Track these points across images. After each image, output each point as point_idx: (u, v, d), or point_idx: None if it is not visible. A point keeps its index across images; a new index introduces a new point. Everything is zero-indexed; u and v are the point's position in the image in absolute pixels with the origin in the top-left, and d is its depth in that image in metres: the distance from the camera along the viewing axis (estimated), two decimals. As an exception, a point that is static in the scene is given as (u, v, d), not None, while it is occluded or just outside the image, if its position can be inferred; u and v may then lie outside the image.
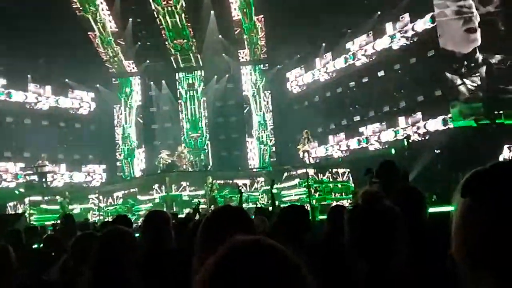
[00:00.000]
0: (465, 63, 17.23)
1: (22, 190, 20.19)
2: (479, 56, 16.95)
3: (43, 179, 20.36)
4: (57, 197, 17.90)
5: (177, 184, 18.40)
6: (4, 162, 22.68)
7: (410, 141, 18.17)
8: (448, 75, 17.64)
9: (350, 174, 18.02)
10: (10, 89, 23.23)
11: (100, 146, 25.28)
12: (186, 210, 15.62)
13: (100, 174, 25.80)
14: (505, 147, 16.27)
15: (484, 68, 16.83)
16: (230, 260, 0.89)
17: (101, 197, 19.86)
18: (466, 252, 0.88)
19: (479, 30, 16.96)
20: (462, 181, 0.94)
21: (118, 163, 26.18)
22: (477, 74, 17.02)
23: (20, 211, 17.98)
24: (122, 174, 25.83)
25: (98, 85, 26.20)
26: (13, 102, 23.31)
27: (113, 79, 26.66)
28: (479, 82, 17.15)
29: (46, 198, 18.84)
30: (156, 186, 18.48)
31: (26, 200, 18.48)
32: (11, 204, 19.11)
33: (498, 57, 16.69)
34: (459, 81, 17.48)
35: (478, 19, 16.95)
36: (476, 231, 0.86)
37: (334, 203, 16.54)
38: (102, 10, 24.02)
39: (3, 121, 22.90)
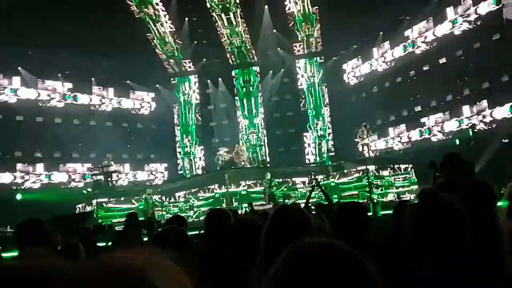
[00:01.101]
0: None
1: (89, 189, 21.13)
2: None
3: (109, 179, 21.19)
4: (143, 195, 18.41)
5: (236, 180, 18.57)
6: (73, 163, 23.85)
7: (475, 130, 17.35)
8: None
9: (413, 168, 17.45)
10: (76, 93, 24.38)
11: (161, 145, 25.97)
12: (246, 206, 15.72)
13: (162, 172, 26.55)
14: None
15: None
16: (300, 265, 0.88)
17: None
18: None
19: None
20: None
21: (179, 161, 26.79)
22: None
23: (88, 209, 18.84)
24: (183, 172, 26.41)
25: (157, 85, 26.93)
26: (79, 105, 24.45)
27: (172, 79, 27.28)
28: None
29: (112, 198, 19.57)
30: (216, 183, 18.74)
31: (94, 201, 19.25)
32: (80, 205, 19.98)
33: None
34: None
35: None
36: None
37: (396, 198, 16.19)
38: (159, 11, 24.60)
39: (70, 123, 24.07)
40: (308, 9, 23.97)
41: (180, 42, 25.63)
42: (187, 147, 26.75)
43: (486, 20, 18.32)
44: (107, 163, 21.29)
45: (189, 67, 26.91)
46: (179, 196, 19.85)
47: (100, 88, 25.27)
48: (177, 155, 26.88)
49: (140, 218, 10.68)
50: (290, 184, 19.08)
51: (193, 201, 19.06)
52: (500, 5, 17.38)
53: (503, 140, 16.19)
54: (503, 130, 16.81)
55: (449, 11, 19.70)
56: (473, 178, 4.24)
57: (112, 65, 23.97)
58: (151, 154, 26.27)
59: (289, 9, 24.22)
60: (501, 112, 17.74)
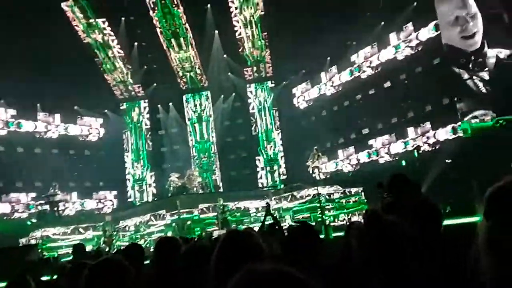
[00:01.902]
0: (473, 57, 17.21)
1: (34, 220, 20.21)
2: (487, 51, 16.90)
3: (55, 208, 20.37)
4: (102, 223, 17.80)
5: (188, 206, 18.31)
6: (16, 193, 22.77)
7: (420, 151, 17.98)
8: (456, 69, 17.59)
9: (362, 189, 17.80)
10: (20, 119, 23.47)
11: (110, 172, 25.31)
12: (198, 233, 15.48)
13: (111, 200, 25.80)
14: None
15: (493, 61, 16.74)
16: None
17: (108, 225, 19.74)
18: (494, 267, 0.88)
19: (479, 33, 16.99)
20: (486, 198, 0.92)
21: (128, 189, 26.18)
22: (486, 69, 16.96)
23: (33, 242, 17.96)
24: (133, 199, 25.81)
25: (106, 111, 26.39)
26: (23, 132, 23.54)
27: (121, 104, 26.84)
28: (487, 77, 17.10)
29: (58, 228, 18.79)
30: (167, 210, 18.39)
31: (38, 232, 18.39)
32: (23, 239, 19.04)
33: (506, 51, 16.62)
34: (466, 76, 17.42)
35: (479, 24, 17.00)
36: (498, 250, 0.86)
37: (347, 220, 16.42)
38: (107, 35, 24.29)
39: (13, 151, 23.07)
40: (258, 34, 24.35)
41: (130, 67, 25.36)
42: (138, 173, 26.22)
43: (427, 46, 19.22)
44: (53, 192, 20.50)
45: (139, 92, 26.60)
46: (127, 226, 19.27)
47: (46, 114, 24.47)
48: (127, 182, 26.28)
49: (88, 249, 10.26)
50: (243, 209, 19.00)
51: (144, 229, 18.59)
52: (439, 32, 18.30)
53: (446, 161, 16.82)
54: (446, 150, 17.49)
55: (392, 37, 20.54)
56: (419, 198, 4.34)
57: (59, 91, 23.28)
58: (100, 181, 25.52)
59: (239, 34, 24.51)
60: (443, 134, 18.50)
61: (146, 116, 26.96)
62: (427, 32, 19.13)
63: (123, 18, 23.88)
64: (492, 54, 16.67)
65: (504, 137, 16.48)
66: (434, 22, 18.63)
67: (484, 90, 17.13)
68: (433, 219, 3.10)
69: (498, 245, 0.87)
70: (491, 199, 0.90)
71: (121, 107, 26.87)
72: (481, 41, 16.90)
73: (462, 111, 17.53)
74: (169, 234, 15.72)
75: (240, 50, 25.02)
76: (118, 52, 24.89)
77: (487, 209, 0.89)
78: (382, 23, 21.04)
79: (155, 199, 24.39)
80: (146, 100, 26.88)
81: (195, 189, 20.78)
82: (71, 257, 8.53)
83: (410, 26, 19.78)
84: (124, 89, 26.39)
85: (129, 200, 25.79)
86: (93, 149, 25.90)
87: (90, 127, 26.19)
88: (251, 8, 23.49)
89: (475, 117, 17.11)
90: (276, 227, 7.36)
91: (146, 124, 26.88)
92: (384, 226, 2.05)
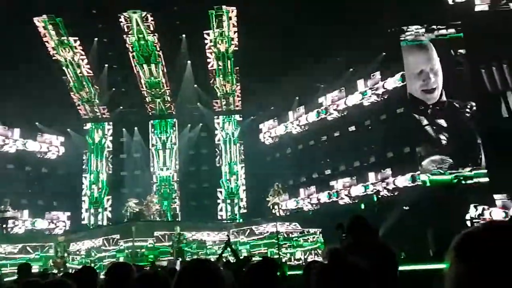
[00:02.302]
0: (430, 106, 18.24)
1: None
2: (445, 101, 18.10)
3: (4, 225, 19.52)
4: (54, 244, 17.14)
5: (144, 233, 17.90)
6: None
7: (379, 196, 18.32)
8: (416, 116, 18.37)
9: (320, 230, 17.88)
10: (-24, 131, 22.65)
11: (66, 193, 24.57)
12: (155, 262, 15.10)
13: (64, 221, 24.92)
14: (472, 206, 16.55)
15: (451, 110, 17.82)
16: None
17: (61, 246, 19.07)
18: None
19: (438, 89, 18.01)
20: (455, 243, 0.90)
21: (84, 211, 25.42)
22: (445, 116, 17.97)
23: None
24: (88, 222, 25.05)
25: (68, 130, 25.81)
26: (-22, 144, 22.67)
27: (84, 124, 26.34)
28: (445, 125, 17.94)
29: (4, 246, 17.98)
30: (122, 235, 17.92)
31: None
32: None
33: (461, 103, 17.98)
34: (425, 122, 18.18)
35: (439, 81, 18.10)
36: None
37: (303, 259, 16.40)
38: (77, 54, 24.04)
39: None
40: (230, 68, 24.62)
41: (97, 88, 25.08)
42: (95, 196, 25.55)
43: (392, 95, 19.89)
44: (3, 209, 19.66)
45: (104, 113, 26.24)
46: (79, 249, 18.63)
47: (5, 128, 23.72)
48: (83, 204, 25.53)
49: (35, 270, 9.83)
50: (199, 240, 18.74)
51: (95, 254, 18.00)
52: (405, 82, 19.01)
53: (404, 207, 17.17)
54: (404, 197, 17.89)
55: (360, 83, 21.16)
56: (378, 241, 4.41)
57: (21, 104, 22.69)
58: (54, 201, 24.68)
59: (211, 66, 24.73)
60: (402, 181, 18.94)
61: (109, 139, 26.51)
62: (393, 82, 19.82)
63: (96, 39, 23.73)
64: (451, 103, 17.80)
65: (459, 189, 17.04)
66: (400, 73, 19.35)
67: (442, 137, 17.98)
68: (390, 263, 3.15)
69: None
70: (467, 242, 0.88)
71: (85, 127, 26.37)
72: (440, 93, 17.97)
73: (421, 155, 18.17)
74: (121, 260, 15.27)
75: (211, 82, 25.19)
76: (87, 72, 24.62)
77: (463, 252, 0.87)
78: (351, 69, 21.68)
79: (110, 223, 23.73)
80: (111, 123, 26.50)
81: (152, 216, 20.37)
82: (15, 277, 8.14)
83: (377, 75, 20.46)
84: (90, 109, 25.99)
85: (83, 222, 25.00)
86: (50, 167, 25.12)
87: (50, 145, 25.48)
88: (225, 42, 23.82)
89: (433, 161, 17.78)
90: (249, 259, 7.31)
91: (108, 147, 26.41)
92: (348, 266, 2.06)
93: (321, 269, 2.20)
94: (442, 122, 18.15)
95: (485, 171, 17.19)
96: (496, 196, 16.46)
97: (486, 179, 17.06)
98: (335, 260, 2.06)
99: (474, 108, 17.94)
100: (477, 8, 18.78)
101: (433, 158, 17.90)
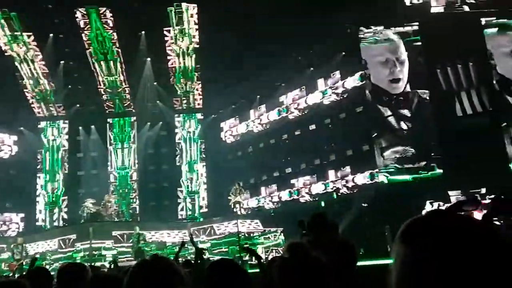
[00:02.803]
0: (395, 96, 18.65)
1: None
2: (410, 92, 18.62)
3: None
4: (12, 245, 16.49)
5: (102, 234, 17.49)
6: None
7: (339, 194, 18.57)
8: (379, 107, 18.73)
9: (281, 227, 17.94)
10: None
11: (19, 193, 23.68)
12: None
13: (17, 223, 24.02)
14: (428, 202, 17.03)
15: (417, 100, 18.13)
16: None
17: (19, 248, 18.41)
18: None
19: (403, 80, 18.46)
20: (401, 229, 0.94)
21: (38, 212, 24.58)
22: (407, 108, 18.49)
23: None
24: (43, 224, 24.26)
25: (22, 128, 24.88)
26: None
27: (39, 123, 25.48)
28: (408, 115, 18.39)
29: None
30: (78, 236, 17.45)
31: None
32: None
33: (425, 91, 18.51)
34: (388, 112, 18.56)
35: (405, 71, 18.52)
36: (417, 277, 0.87)
37: (265, 257, 16.42)
38: (32, 50, 23.21)
39: None
40: (190, 66, 24.35)
41: (53, 85, 24.30)
42: (51, 196, 24.76)
43: (352, 94, 20.17)
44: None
45: (60, 111, 25.46)
46: (34, 251, 18.00)
47: (-47, 126, 22.67)
48: (37, 204, 24.70)
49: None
50: (159, 241, 18.48)
51: (50, 255, 17.44)
52: (364, 82, 19.32)
53: (363, 204, 17.47)
54: (363, 195, 18.21)
55: (320, 82, 21.37)
56: (337, 237, 4.43)
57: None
58: (6, 202, 23.75)
59: (172, 64, 24.39)
60: (361, 178, 19.25)
61: (65, 137, 25.74)
62: (352, 81, 20.10)
63: (51, 35, 22.97)
64: (415, 94, 18.20)
65: (417, 186, 17.49)
66: (359, 73, 19.65)
67: (404, 127, 18.44)
68: (349, 258, 3.17)
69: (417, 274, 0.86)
70: (410, 227, 0.92)
71: (39, 126, 25.50)
72: (405, 84, 18.38)
73: (382, 147, 18.51)
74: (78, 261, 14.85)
75: (171, 80, 24.85)
76: (42, 69, 23.82)
77: (406, 236, 0.91)
78: (312, 68, 21.87)
79: (66, 224, 23.06)
80: (67, 121, 25.74)
81: (110, 216, 19.93)
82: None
83: (337, 74, 20.70)
84: (45, 107, 25.17)
85: (38, 224, 24.18)
86: (2, 167, 24.14)
87: (2, 143, 24.52)
88: (186, 39, 23.56)
89: (395, 151, 18.19)
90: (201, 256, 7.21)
91: (64, 146, 25.63)
92: (308, 259, 2.04)
93: (282, 263, 2.18)
94: (406, 112, 18.61)
95: (441, 171, 17.73)
96: (451, 193, 16.97)
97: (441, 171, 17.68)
98: (295, 254, 2.05)
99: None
100: (432, 10, 19.31)
101: (395, 149, 18.31)
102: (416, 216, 0.94)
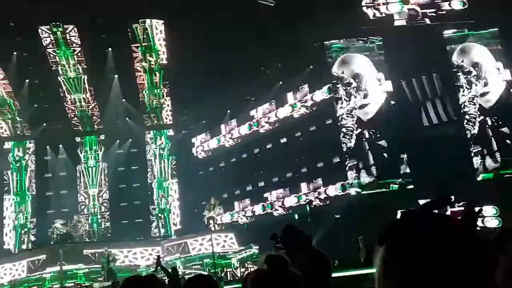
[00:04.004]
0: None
1: None
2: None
3: None
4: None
5: (72, 256, 17.09)
6: None
7: (312, 206, 18.63)
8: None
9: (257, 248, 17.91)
10: None
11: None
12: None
13: (-17, 247, 23.25)
14: (399, 212, 17.25)
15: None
16: None
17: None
18: None
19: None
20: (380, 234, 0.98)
21: (5, 235, 23.83)
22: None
23: None
24: (11, 247, 23.51)
25: (-14, 149, 24.23)
26: None
27: (4, 143, 24.83)
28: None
29: None
30: (49, 259, 17.00)
31: None
32: None
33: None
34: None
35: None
36: (399, 275, 0.90)
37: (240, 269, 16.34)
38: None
39: None
40: (159, 82, 24.23)
41: (18, 105, 23.79)
42: (19, 218, 24.05)
43: (320, 106, 20.42)
44: None
45: (26, 131, 24.90)
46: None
47: None
48: (4, 227, 23.96)
49: None
50: (130, 264, 18.19)
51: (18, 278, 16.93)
52: (332, 94, 19.60)
53: (336, 216, 17.60)
54: (336, 206, 18.35)
55: (289, 96, 21.57)
56: (310, 249, 4.45)
57: None
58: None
59: (140, 80, 24.23)
60: (333, 190, 19.43)
61: (32, 158, 25.15)
62: (321, 94, 20.36)
63: (15, 53, 22.54)
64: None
65: (387, 197, 17.75)
66: (327, 85, 19.93)
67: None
68: (323, 269, 3.17)
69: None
70: (388, 228, 0.97)
71: (5, 146, 24.86)
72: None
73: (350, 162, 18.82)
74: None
75: (140, 96, 24.67)
76: (6, 88, 23.32)
77: (384, 237, 0.97)
78: (281, 82, 22.07)
79: (35, 246, 22.42)
80: (33, 141, 25.19)
81: (81, 237, 19.52)
82: None
83: (306, 87, 20.94)
84: (10, 127, 24.58)
85: (5, 247, 23.43)
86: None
87: (-34, 166, 23.80)
88: (153, 55, 23.48)
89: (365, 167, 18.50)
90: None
91: (31, 166, 25.03)
92: (283, 271, 2.04)
93: (257, 276, 2.17)
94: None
95: (410, 179, 18.08)
96: (420, 201, 17.25)
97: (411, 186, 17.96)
98: (271, 266, 2.05)
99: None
100: (396, 23, 19.81)
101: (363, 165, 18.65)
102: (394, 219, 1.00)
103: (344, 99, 19.21)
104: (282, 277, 2.05)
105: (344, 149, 18.97)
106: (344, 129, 19.01)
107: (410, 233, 0.92)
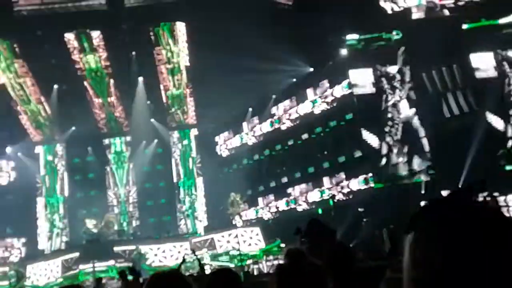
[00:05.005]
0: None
1: None
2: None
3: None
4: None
5: (104, 254, 17.70)
6: None
7: (335, 200, 18.89)
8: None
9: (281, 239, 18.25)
10: None
11: (20, 219, 23.76)
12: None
13: (19, 248, 24.09)
14: (422, 203, 17.35)
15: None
16: None
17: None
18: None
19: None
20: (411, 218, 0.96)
21: (39, 236, 24.68)
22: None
23: None
24: (45, 247, 24.32)
25: (19, 154, 25.08)
26: None
27: (37, 147, 25.69)
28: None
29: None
30: (81, 258, 17.65)
31: None
32: None
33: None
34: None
35: None
36: (426, 263, 0.86)
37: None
38: (24, 77, 23.49)
39: None
40: (183, 82, 24.66)
41: (48, 110, 24.56)
42: (51, 220, 24.88)
43: (340, 101, 20.57)
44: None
45: (56, 135, 25.70)
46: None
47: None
48: (38, 228, 24.81)
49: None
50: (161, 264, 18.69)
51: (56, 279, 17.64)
52: (351, 90, 19.76)
53: (359, 209, 17.81)
54: (359, 200, 18.55)
55: (309, 92, 21.78)
56: (335, 243, 4.73)
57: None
58: (6, 228, 23.84)
59: (164, 81, 24.69)
60: (356, 184, 19.62)
61: (62, 161, 25.96)
62: (341, 89, 20.52)
63: (43, 60, 23.21)
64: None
65: (411, 189, 17.86)
66: (347, 81, 20.07)
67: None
68: (348, 262, 3.43)
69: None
70: (415, 215, 0.94)
71: (36, 151, 25.70)
72: None
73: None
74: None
75: (164, 98, 25.18)
76: (36, 93, 24.10)
77: (412, 225, 0.93)
78: (300, 78, 22.28)
79: (68, 246, 23.17)
80: (63, 144, 25.98)
81: (112, 235, 20.14)
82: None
83: (326, 83, 21.13)
84: (41, 132, 25.40)
85: (40, 248, 24.27)
86: (2, 193, 24.26)
87: (0, 170, 24.71)
88: (177, 57, 23.93)
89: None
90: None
91: (61, 169, 25.83)
92: (305, 264, 2.20)
93: (280, 269, 2.34)
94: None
95: (433, 171, 18.18)
96: (443, 192, 17.35)
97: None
98: (293, 260, 2.24)
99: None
100: (413, 16, 19.83)
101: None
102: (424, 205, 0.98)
103: (389, 93, 19.39)
104: (299, 269, 2.18)
105: (391, 142, 19.14)
106: (390, 122, 19.18)
107: (447, 217, 0.87)
